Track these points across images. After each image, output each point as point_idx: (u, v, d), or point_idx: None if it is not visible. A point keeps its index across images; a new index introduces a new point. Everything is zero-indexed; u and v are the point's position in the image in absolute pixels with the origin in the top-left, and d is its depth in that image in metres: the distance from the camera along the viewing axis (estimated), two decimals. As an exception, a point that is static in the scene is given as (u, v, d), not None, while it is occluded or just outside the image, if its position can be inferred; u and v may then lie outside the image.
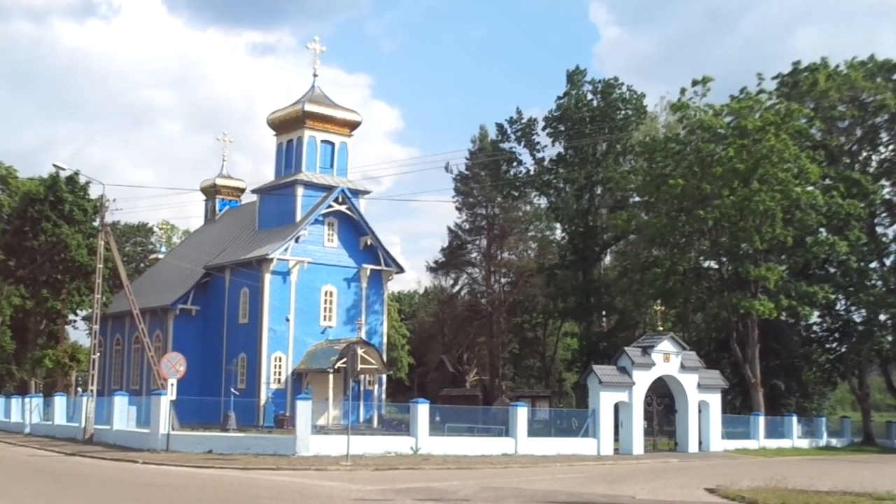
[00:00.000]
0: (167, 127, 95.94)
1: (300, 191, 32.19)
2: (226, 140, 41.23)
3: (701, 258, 33.58)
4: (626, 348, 25.73)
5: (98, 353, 26.06)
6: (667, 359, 25.96)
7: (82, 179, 37.94)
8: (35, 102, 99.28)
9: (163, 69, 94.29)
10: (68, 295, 37.63)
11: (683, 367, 26.27)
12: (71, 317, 40.62)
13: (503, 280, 45.72)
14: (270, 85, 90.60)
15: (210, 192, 40.92)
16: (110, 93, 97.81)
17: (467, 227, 46.21)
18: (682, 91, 33.85)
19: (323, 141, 33.49)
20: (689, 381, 26.45)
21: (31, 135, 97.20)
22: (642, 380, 25.15)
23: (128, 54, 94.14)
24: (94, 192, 38.19)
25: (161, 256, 43.18)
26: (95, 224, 34.09)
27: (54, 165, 30.85)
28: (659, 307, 29.28)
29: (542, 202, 43.72)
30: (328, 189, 32.53)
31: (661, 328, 27.37)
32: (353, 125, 34.26)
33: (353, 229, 32.88)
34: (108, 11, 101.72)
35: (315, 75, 34.50)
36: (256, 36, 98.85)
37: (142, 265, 52.68)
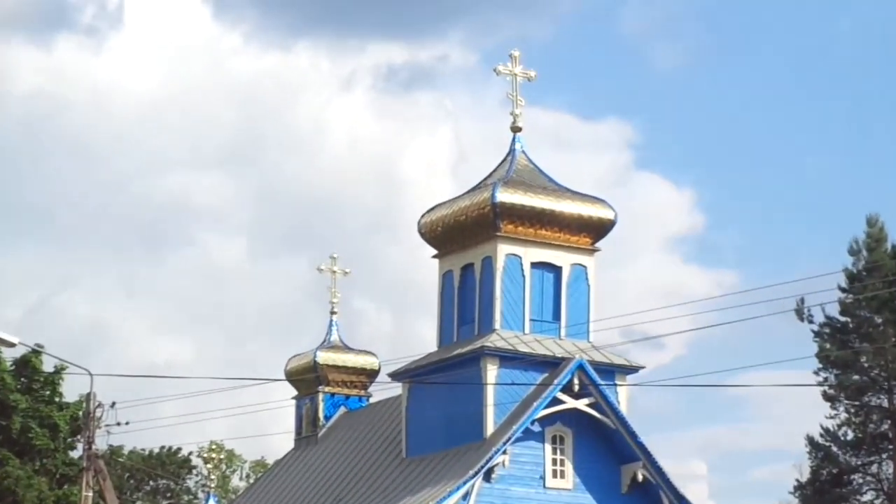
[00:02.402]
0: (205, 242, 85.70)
1: (491, 370, 28.17)
2: (334, 270, 36.24)
3: None
4: None
5: None
6: None
7: (48, 362, 38.88)
8: None
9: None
10: None
11: None
12: None
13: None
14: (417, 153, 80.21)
15: (305, 381, 36.06)
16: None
17: (849, 435, 39.65)
18: None
19: (538, 264, 29.13)
20: None
21: None
22: None
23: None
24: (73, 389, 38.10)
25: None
26: (76, 452, 35.42)
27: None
28: None
29: None
30: (550, 366, 28.30)
31: None
32: (601, 228, 29.77)
33: (607, 447, 28.83)
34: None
35: (516, 128, 30.35)
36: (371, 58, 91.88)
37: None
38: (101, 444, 25.25)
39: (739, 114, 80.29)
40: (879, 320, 40.60)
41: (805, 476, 41.61)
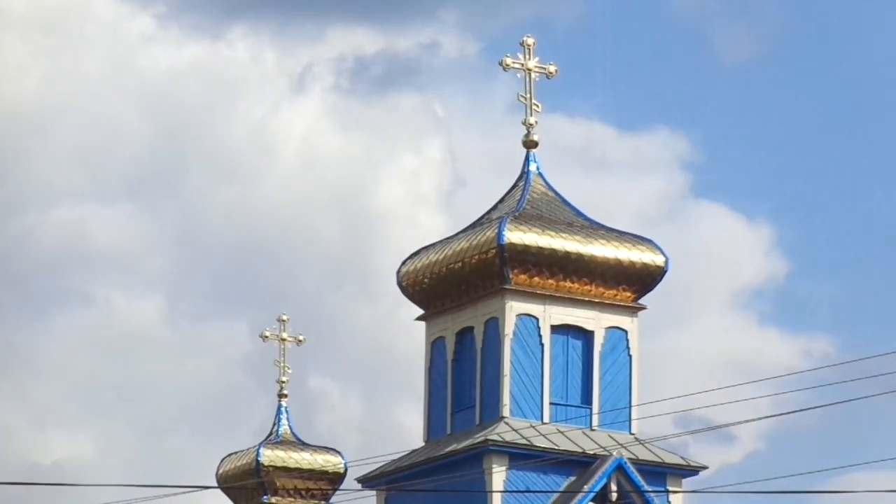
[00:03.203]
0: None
1: (498, 472, 26.21)
2: (284, 338, 34.86)
3: None
4: None
5: None
6: None
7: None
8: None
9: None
10: None
11: None
12: None
13: None
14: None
15: (245, 490, 34.84)
16: None
17: None
18: None
19: (562, 329, 27.15)
20: None
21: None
22: None
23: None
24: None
25: None
26: None
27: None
28: None
29: None
30: (578, 466, 26.33)
31: None
32: (647, 278, 27.79)
33: None
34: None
35: (531, 143, 28.27)
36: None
37: None
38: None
39: (834, 122, 71.77)
40: None
41: None
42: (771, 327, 66.85)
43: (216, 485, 34.22)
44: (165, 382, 65.22)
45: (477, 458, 25.72)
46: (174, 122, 66.90)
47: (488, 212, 27.71)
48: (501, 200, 27.98)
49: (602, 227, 27.32)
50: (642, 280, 27.26)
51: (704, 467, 27.35)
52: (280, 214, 65.63)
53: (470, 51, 71.76)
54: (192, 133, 66.91)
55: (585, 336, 26.95)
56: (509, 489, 25.50)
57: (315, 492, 35.01)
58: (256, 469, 34.35)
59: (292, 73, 70.90)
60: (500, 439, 25.36)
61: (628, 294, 27.18)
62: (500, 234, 26.10)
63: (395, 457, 28.05)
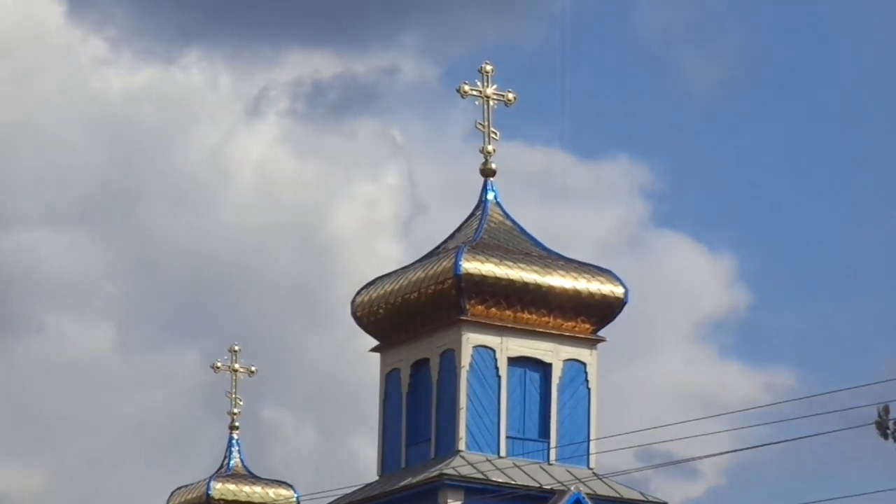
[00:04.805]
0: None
1: None
2: (236, 369, 34.92)
3: None
4: None
5: None
6: None
7: None
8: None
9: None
10: None
11: None
12: None
13: None
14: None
15: None
16: None
17: None
18: None
19: (520, 361, 26.99)
20: None
21: None
22: None
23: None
24: None
25: None
26: None
27: None
28: None
29: None
30: (535, 501, 26.01)
31: None
32: (607, 310, 27.67)
33: None
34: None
35: (489, 171, 28.18)
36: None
37: None
38: None
39: (798, 151, 69.64)
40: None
41: None
42: (732, 360, 65.90)
43: (166, 518, 33.77)
44: (116, 412, 64.10)
45: (432, 492, 25.35)
46: (127, 147, 65.92)
47: (445, 241, 27.46)
48: (459, 229, 27.72)
49: (560, 257, 27.07)
50: (601, 311, 26.84)
51: (664, 503, 27.13)
52: (234, 242, 64.33)
53: (429, 76, 70.06)
54: (145, 158, 65.96)
55: (543, 368, 26.65)
56: (465, 524, 25.70)
57: (267, 525, 35.95)
58: (207, 502, 34.03)
59: (247, 97, 69.21)
60: (455, 473, 24.98)
61: (587, 326, 26.82)
62: (456, 264, 25.76)
63: (349, 490, 27.68)
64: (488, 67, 27.88)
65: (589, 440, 26.94)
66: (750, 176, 71.21)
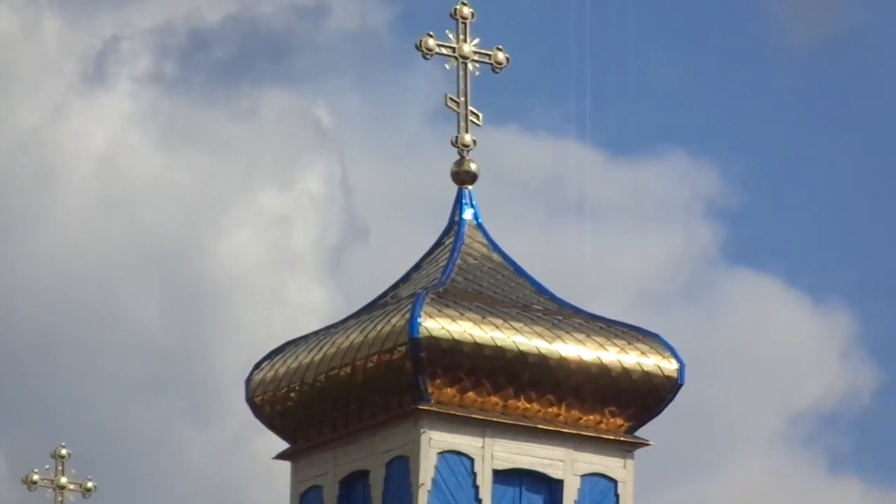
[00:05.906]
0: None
1: None
2: (63, 485, 31.09)
3: None
4: None
5: None
6: None
7: None
8: None
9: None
10: None
11: None
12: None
13: None
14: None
15: None
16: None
17: None
18: None
19: (512, 474, 21.39)
20: None
21: None
22: None
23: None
24: None
25: None
26: None
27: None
28: None
29: None
30: None
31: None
32: (652, 398, 22.59)
33: None
34: None
35: (466, 174, 22.07)
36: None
37: None
38: None
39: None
40: None
41: None
42: (849, 473, 45.97)
43: None
44: None
45: None
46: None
47: (395, 285, 21.02)
48: (417, 267, 21.24)
49: (578, 311, 20.37)
50: (642, 399, 20.30)
51: None
52: (60, 281, 44.03)
53: (374, 22, 49.14)
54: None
55: (550, 488, 20.40)
56: None
57: None
58: None
59: (86, 53, 48.91)
60: None
61: (619, 421, 20.34)
62: (413, 322, 19.53)
63: None
64: (466, 10, 21.33)
65: None
66: (838, 193, 52.51)
